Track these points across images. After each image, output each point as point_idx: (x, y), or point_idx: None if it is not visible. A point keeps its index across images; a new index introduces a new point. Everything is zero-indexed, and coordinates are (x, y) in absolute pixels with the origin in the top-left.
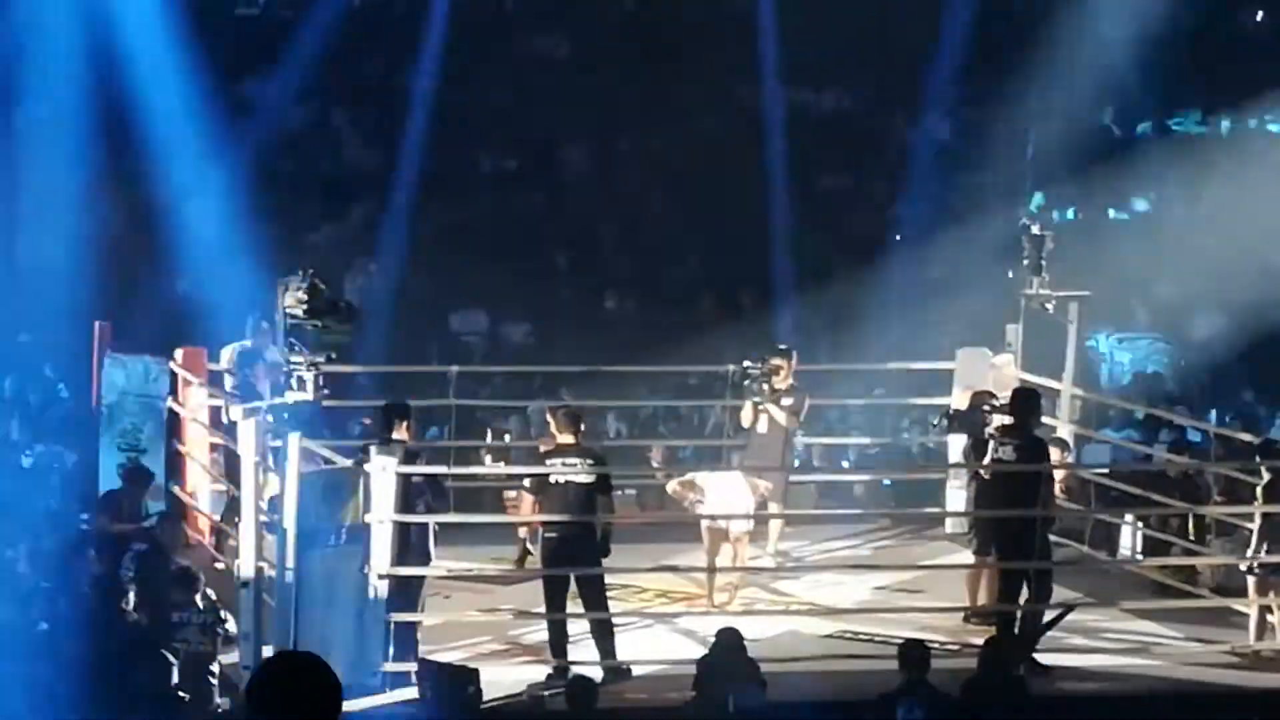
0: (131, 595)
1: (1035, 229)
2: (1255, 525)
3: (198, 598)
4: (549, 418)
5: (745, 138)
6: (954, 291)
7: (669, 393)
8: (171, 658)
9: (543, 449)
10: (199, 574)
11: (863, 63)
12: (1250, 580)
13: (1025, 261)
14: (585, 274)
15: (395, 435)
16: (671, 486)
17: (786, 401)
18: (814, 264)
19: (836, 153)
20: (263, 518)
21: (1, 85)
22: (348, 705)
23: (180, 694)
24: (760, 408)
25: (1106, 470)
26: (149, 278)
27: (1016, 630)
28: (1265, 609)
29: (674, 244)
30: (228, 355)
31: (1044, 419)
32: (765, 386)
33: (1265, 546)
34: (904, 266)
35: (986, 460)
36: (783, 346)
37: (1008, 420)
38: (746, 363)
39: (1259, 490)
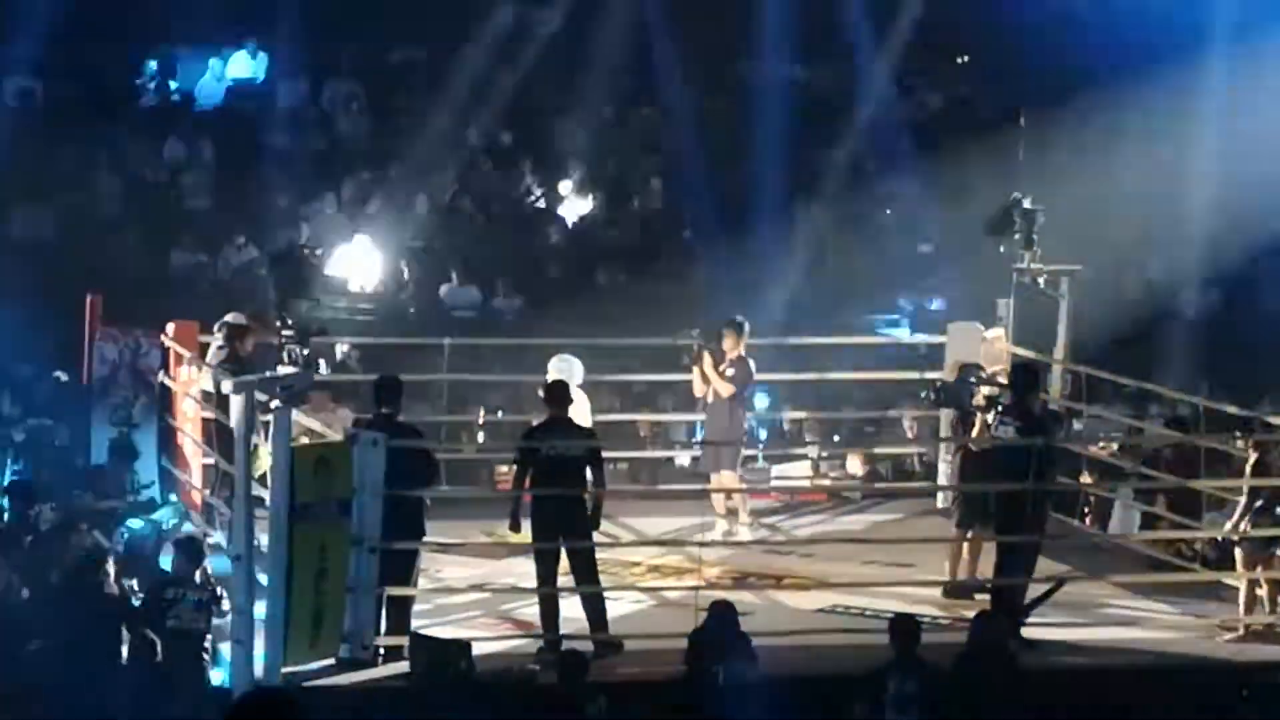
0: (111, 568)
1: (1027, 203)
2: (1241, 500)
3: (197, 573)
4: (540, 391)
5: (736, 111)
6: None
7: (662, 367)
8: (158, 634)
9: (534, 422)
10: (204, 546)
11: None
12: (1238, 554)
13: (1016, 236)
14: (577, 248)
15: (386, 409)
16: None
17: (729, 373)
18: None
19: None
20: (255, 492)
21: None
22: (341, 679)
23: (166, 670)
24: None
25: (1098, 445)
26: (141, 252)
27: (1006, 604)
28: (1254, 583)
29: (667, 217)
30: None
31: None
32: (701, 356)
33: (1250, 520)
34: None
35: (981, 436)
36: (738, 319)
37: (994, 392)
38: (690, 334)
39: (1247, 466)
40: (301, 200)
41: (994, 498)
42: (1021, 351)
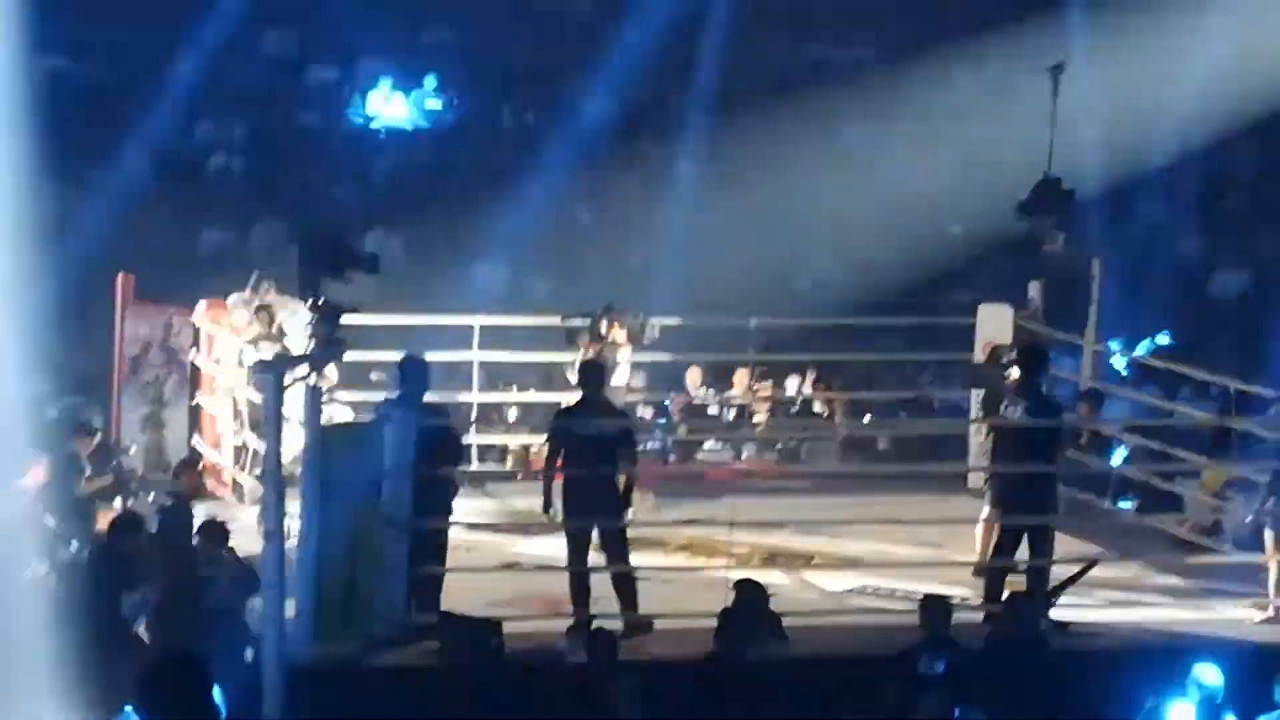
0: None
1: (1061, 185)
2: (1266, 479)
3: (224, 551)
4: (569, 374)
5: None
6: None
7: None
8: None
9: (565, 402)
10: (226, 525)
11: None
12: (1269, 535)
13: (1049, 218)
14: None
15: (417, 388)
16: None
17: (609, 355)
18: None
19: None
20: (285, 470)
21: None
22: (371, 658)
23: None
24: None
25: (1128, 427)
26: (173, 230)
27: (1035, 586)
28: None
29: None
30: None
31: (1068, 376)
32: (591, 337)
33: (1274, 500)
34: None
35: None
36: (615, 306)
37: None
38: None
39: None
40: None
41: (1008, 479)
42: (1053, 334)
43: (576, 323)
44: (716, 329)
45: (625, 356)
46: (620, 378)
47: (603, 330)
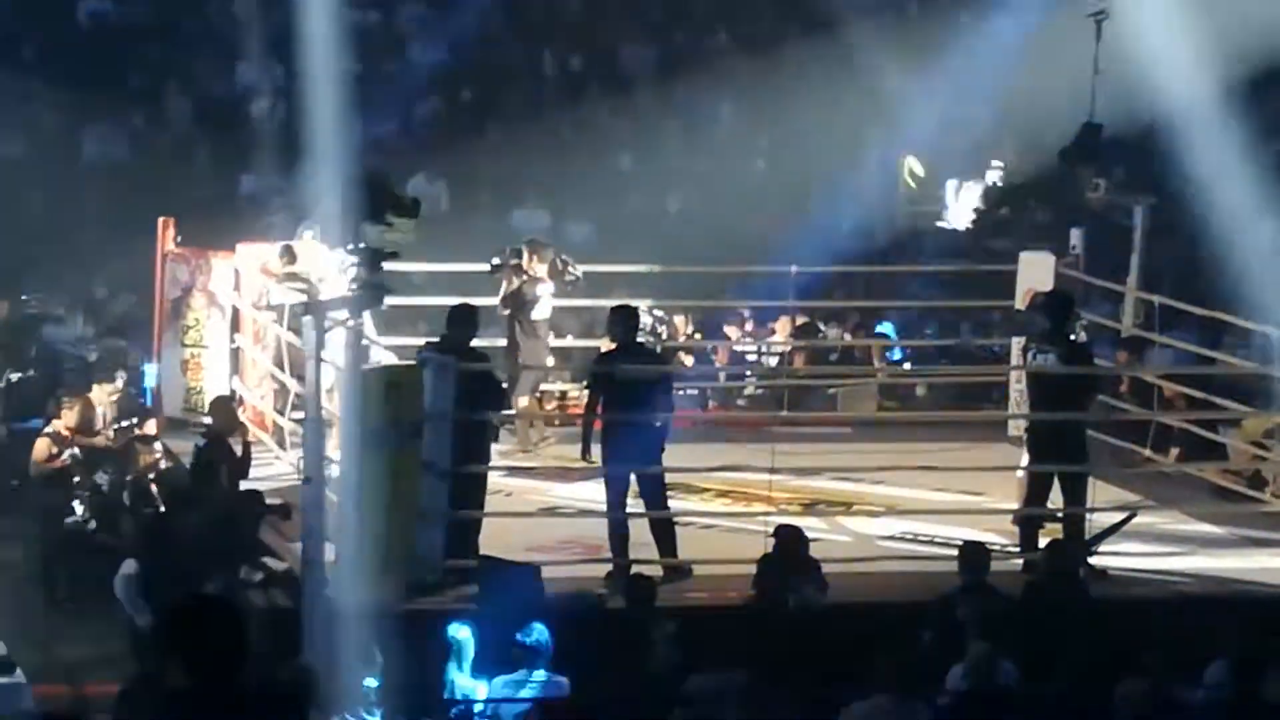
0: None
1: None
2: None
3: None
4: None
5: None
6: None
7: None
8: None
9: (604, 348)
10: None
11: None
12: None
13: (1090, 165)
14: (648, 173)
15: (457, 334)
16: None
17: (529, 289)
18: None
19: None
20: (325, 413)
21: None
22: (411, 602)
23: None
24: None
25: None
26: (213, 174)
27: (1072, 533)
28: None
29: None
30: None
31: (1109, 321)
32: (513, 270)
33: None
34: None
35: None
36: (539, 238)
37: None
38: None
39: None
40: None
41: (1037, 426)
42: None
43: (497, 261)
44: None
45: (546, 291)
46: (542, 311)
47: (524, 263)
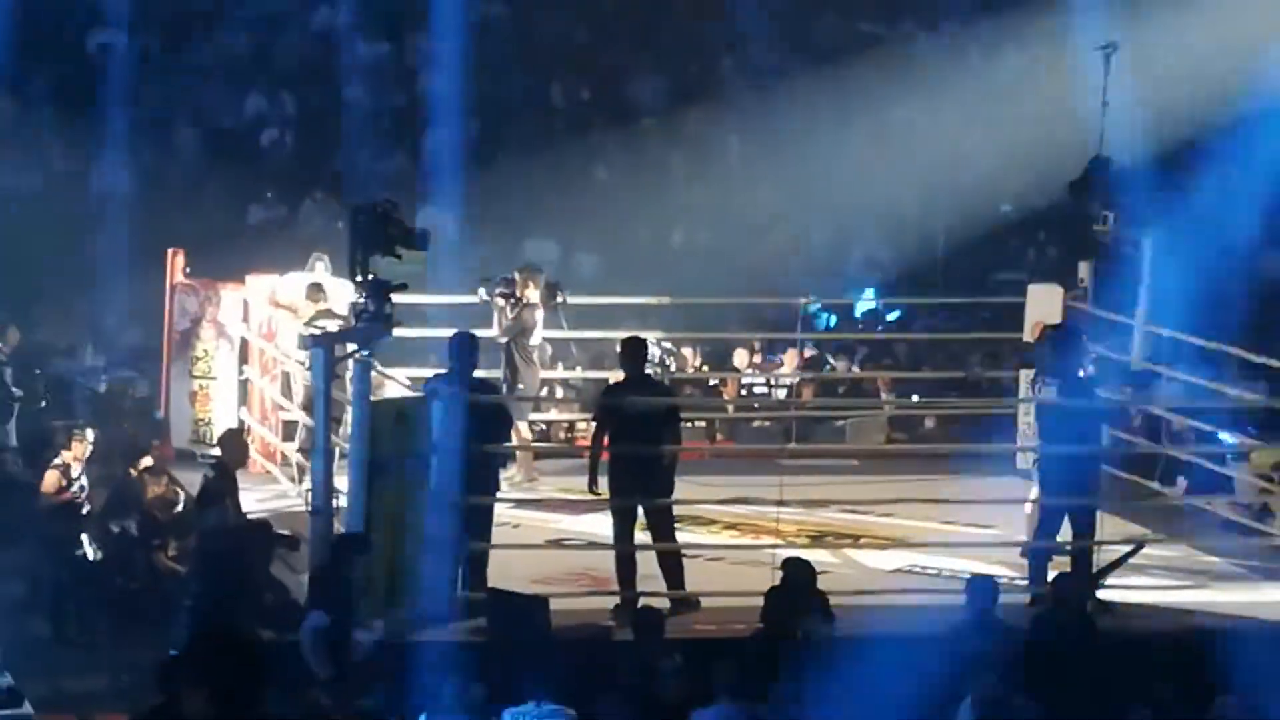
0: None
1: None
2: None
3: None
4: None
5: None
6: None
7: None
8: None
9: (612, 380)
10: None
11: None
12: None
13: (1098, 198)
14: (656, 206)
15: (466, 364)
16: None
17: (528, 315)
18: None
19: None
20: (334, 445)
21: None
22: (417, 634)
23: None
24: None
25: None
26: (221, 206)
27: (1080, 567)
28: None
29: (746, 177)
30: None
31: (1118, 356)
32: (501, 300)
33: None
34: None
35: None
36: (534, 264)
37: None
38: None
39: None
40: (381, 156)
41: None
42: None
43: (482, 292)
44: (763, 308)
45: (540, 317)
46: (535, 337)
47: (518, 290)
